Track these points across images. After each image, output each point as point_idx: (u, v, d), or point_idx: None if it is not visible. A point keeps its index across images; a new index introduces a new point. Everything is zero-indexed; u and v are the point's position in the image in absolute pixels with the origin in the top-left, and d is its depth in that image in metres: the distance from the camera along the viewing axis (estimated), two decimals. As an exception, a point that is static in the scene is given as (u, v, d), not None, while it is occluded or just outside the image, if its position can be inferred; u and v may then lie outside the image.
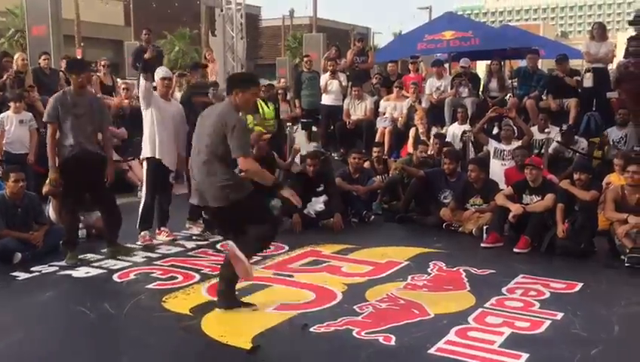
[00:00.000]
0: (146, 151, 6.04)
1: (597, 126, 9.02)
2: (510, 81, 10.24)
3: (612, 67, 10.13)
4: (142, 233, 6.07)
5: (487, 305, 4.45)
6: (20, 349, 3.69)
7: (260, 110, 10.16)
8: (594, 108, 9.32)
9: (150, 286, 4.84)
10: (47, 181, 5.53)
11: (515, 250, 5.96)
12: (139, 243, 6.02)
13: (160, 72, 6.28)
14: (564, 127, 8.47)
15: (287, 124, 10.36)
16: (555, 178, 6.96)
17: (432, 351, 3.64)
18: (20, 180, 5.67)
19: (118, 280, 5.01)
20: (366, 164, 8.27)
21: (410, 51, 11.74)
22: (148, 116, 6.01)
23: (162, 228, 6.30)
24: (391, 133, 9.89)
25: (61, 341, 3.86)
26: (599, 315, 4.30)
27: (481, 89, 10.35)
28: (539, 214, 6.16)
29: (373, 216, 7.34)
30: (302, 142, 11.14)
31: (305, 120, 10.98)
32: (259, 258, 5.62)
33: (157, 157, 5.99)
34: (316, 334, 3.88)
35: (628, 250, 5.56)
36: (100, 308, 4.31)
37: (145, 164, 6.09)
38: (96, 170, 5.49)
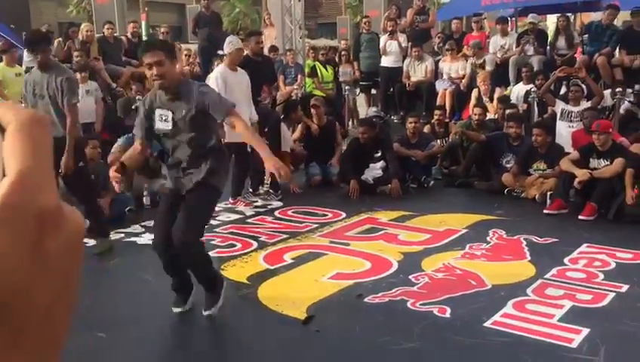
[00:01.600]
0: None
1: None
2: (580, 38, 9.70)
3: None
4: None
5: (547, 275, 4.34)
6: (88, 315, 3.89)
7: (319, 73, 10.13)
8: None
9: (210, 253, 4.96)
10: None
11: (580, 217, 5.75)
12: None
13: (236, 42, 6.24)
14: (637, 87, 8.00)
15: (347, 87, 10.25)
16: (627, 141, 6.61)
17: (487, 324, 3.59)
18: (96, 146, 6.09)
19: (180, 248, 5.16)
20: (427, 128, 8.12)
21: (473, 8, 11.32)
22: None
23: (238, 198, 6.44)
24: (452, 95, 9.64)
25: (125, 308, 4.04)
26: (668, 288, 4.11)
27: (548, 47, 9.86)
28: (607, 180, 5.89)
29: (432, 182, 7.24)
30: (361, 105, 11.05)
31: (364, 82, 10.83)
32: (317, 225, 5.70)
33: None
34: (370, 305, 3.90)
35: None
36: (163, 275, 4.44)
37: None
38: (58, 157, 4.68)
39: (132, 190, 6.41)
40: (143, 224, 5.78)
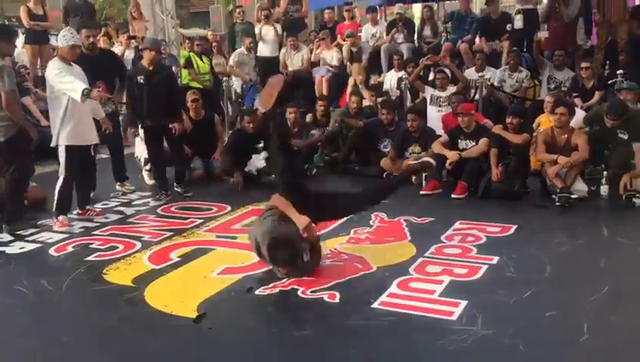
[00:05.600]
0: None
1: (528, 66, 9.21)
2: (444, 26, 10.27)
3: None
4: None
5: (427, 254, 4.58)
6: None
7: (195, 64, 9.90)
8: (525, 50, 9.49)
9: (89, 258, 4.73)
10: None
11: (452, 196, 6.12)
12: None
13: (69, 38, 5.43)
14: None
15: (224, 78, 10.11)
16: (490, 122, 7.10)
17: (375, 305, 3.73)
18: None
19: (55, 254, 4.87)
20: (308, 117, 8.21)
21: (343, -3, 11.58)
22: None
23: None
24: (329, 82, 9.83)
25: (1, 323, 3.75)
26: (532, 257, 4.49)
27: (415, 35, 10.35)
28: (474, 159, 6.30)
29: (315, 170, 7.36)
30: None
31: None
32: (202, 220, 5.59)
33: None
34: (262, 296, 3.91)
35: (558, 190, 5.80)
36: (38, 285, 4.19)
37: None
38: None
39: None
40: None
